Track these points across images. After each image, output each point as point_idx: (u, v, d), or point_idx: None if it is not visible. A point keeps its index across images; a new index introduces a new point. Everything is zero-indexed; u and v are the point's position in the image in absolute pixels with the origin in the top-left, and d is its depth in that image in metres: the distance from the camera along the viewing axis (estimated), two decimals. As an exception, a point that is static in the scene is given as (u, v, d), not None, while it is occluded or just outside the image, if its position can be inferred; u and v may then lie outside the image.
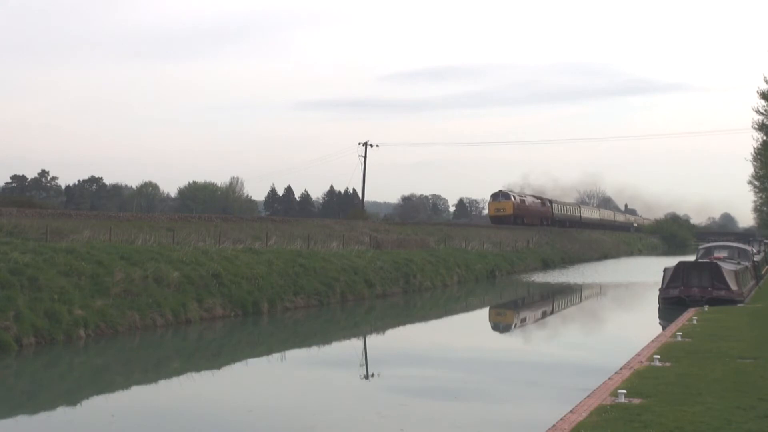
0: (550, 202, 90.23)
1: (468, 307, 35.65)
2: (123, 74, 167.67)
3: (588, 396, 12.29)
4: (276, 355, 21.27)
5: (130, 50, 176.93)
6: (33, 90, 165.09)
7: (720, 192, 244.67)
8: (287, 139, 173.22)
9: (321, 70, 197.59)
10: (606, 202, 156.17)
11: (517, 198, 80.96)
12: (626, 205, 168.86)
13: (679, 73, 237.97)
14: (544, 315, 33.21)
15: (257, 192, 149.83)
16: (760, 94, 37.41)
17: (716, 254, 37.47)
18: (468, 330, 28.17)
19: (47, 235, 24.69)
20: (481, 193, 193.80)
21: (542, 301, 38.48)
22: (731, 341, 17.73)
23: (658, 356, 15.22)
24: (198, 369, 18.95)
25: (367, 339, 24.89)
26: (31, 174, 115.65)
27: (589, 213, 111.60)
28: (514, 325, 30.06)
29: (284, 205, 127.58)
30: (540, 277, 50.10)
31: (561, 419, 10.65)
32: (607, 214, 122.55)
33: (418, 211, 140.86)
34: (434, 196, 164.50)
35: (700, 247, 45.60)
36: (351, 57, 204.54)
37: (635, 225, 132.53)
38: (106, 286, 21.72)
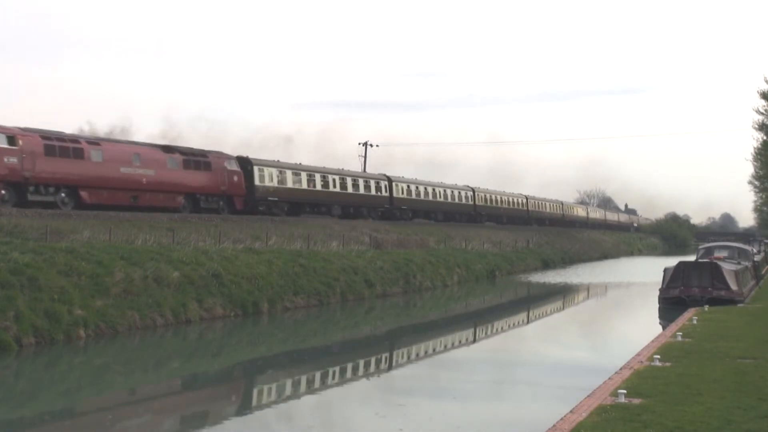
0: (251, 162, 42.31)
1: (468, 307, 35.66)
2: (122, 73, 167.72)
3: (588, 396, 12.29)
4: (275, 355, 21.29)
5: (128, 49, 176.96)
6: (33, 89, 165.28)
7: (720, 192, 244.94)
8: (287, 139, 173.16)
9: (321, 69, 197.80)
10: (606, 202, 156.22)
11: None
12: (626, 205, 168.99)
13: (678, 73, 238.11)
14: (543, 315, 33.23)
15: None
16: (760, 94, 37.47)
17: (716, 254, 37.49)
18: (466, 329, 28.16)
19: (47, 235, 24.68)
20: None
21: (542, 302, 38.47)
22: (731, 341, 17.73)
23: (658, 356, 15.23)
24: (198, 369, 18.97)
25: (366, 339, 24.89)
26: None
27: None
28: (513, 325, 30.05)
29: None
30: (540, 278, 50.12)
31: (561, 419, 10.65)
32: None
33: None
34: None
35: (700, 247, 45.62)
36: (351, 57, 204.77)
37: (635, 225, 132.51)
38: (106, 286, 21.73)
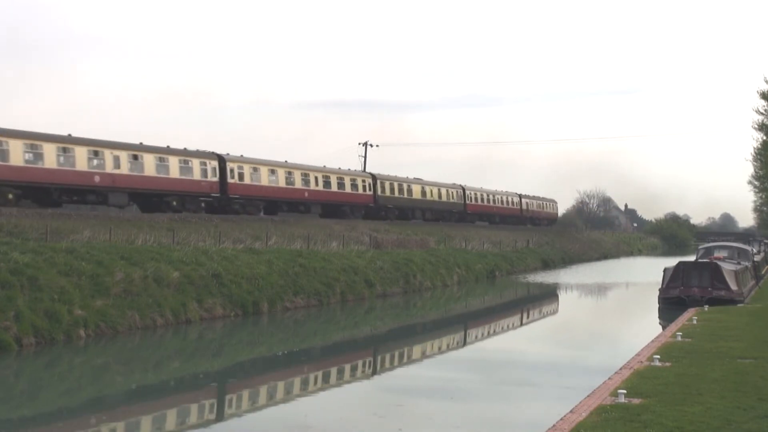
0: None
1: (468, 307, 35.67)
2: (120, 73, 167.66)
3: (588, 396, 12.30)
4: (275, 356, 21.28)
5: (124, 49, 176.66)
6: (35, 89, 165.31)
7: (720, 192, 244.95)
8: (287, 139, 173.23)
9: (320, 69, 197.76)
10: (606, 202, 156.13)
11: None
12: (626, 205, 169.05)
13: (679, 73, 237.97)
14: (543, 315, 33.24)
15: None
16: (760, 94, 37.45)
17: (716, 254, 37.51)
18: (466, 329, 28.17)
19: (47, 235, 24.70)
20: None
21: (542, 302, 38.49)
22: (731, 341, 17.74)
23: (658, 356, 15.23)
24: (198, 369, 18.97)
25: (366, 339, 24.90)
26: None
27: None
28: (512, 324, 30.07)
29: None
30: (540, 278, 50.13)
31: (561, 419, 10.65)
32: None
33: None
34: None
35: (700, 247, 45.64)
36: (351, 56, 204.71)
37: (635, 225, 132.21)
38: (106, 286, 21.74)
